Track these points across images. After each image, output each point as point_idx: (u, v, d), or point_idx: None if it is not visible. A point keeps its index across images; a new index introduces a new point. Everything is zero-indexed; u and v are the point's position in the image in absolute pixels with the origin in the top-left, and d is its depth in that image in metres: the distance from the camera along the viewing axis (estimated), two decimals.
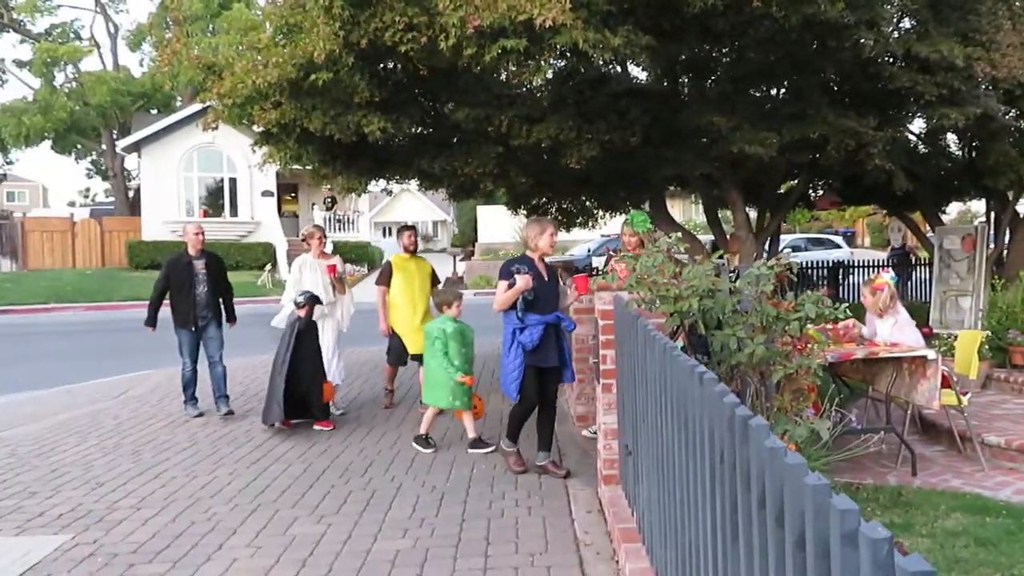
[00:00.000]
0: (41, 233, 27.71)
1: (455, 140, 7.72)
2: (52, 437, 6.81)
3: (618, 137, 7.06)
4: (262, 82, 6.11)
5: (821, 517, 1.42)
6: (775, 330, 4.04)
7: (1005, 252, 10.34)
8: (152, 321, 7.32)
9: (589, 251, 24.60)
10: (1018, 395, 7.15)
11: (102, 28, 36.22)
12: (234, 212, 27.76)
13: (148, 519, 4.71)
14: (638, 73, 8.86)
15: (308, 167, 8.86)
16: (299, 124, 6.69)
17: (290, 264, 8.70)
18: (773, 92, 8.49)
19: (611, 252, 6.64)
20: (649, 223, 6.35)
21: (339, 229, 30.07)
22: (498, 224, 31.12)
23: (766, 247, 9.71)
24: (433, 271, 7.66)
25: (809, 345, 4.20)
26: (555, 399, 5.60)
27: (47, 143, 33.90)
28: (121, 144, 29.47)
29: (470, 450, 5.96)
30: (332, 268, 7.23)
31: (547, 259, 5.50)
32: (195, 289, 7.17)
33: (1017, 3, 7.56)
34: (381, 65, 6.46)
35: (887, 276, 6.02)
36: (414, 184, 10.68)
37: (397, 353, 7.39)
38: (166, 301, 7.28)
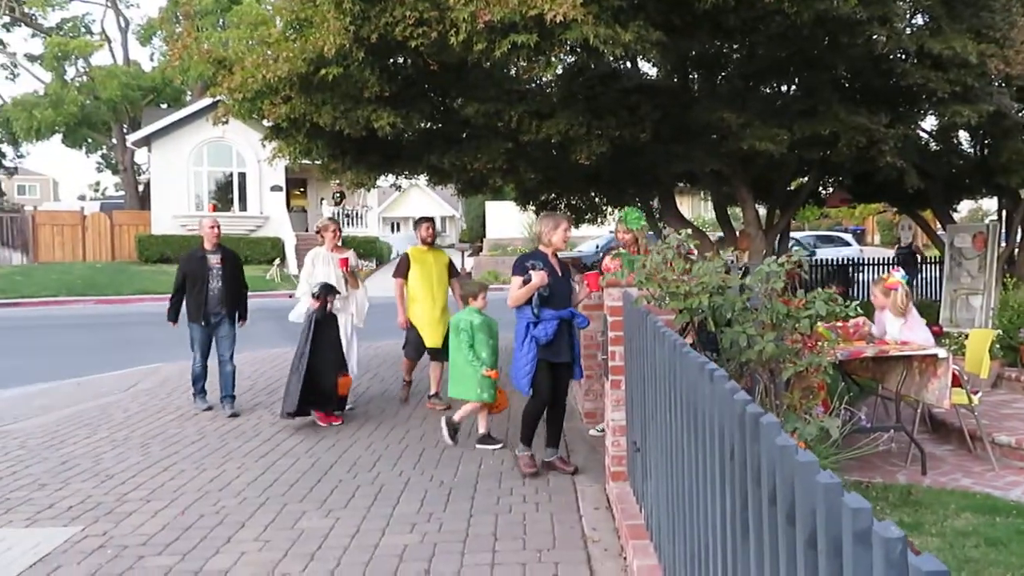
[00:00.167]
0: (51, 227, 27.84)
1: (464, 135, 7.71)
2: (62, 429, 6.85)
3: (628, 133, 7.03)
4: (272, 77, 6.11)
5: (833, 516, 1.41)
6: (785, 327, 4.02)
7: (1016, 250, 10.27)
8: (173, 316, 7.29)
9: (598, 247, 24.57)
10: None
11: (113, 23, 36.48)
12: (243, 207, 27.84)
13: (157, 511, 4.74)
14: (648, 69, 8.83)
15: (317, 162, 8.86)
16: (309, 119, 6.69)
17: (299, 259, 8.71)
18: (784, 88, 8.45)
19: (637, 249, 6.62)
20: (643, 220, 6.35)
21: (347, 224, 30.11)
22: (506, 220, 31.11)
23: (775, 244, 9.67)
24: (451, 262, 7.60)
25: (819, 343, 4.18)
26: (566, 395, 5.59)
27: (58, 137, 34.06)
28: (131, 138, 29.59)
29: (478, 445, 5.97)
30: (344, 262, 7.20)
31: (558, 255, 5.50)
32: (208, 284, 7.13)
33: None
34: (391, 60, 6.45)
35: (899, 275, 5.99)
36: (423, 179, 10.67)
37: (415, 346, 7.34)
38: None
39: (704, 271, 3.98)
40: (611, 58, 7.21)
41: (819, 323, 4.26)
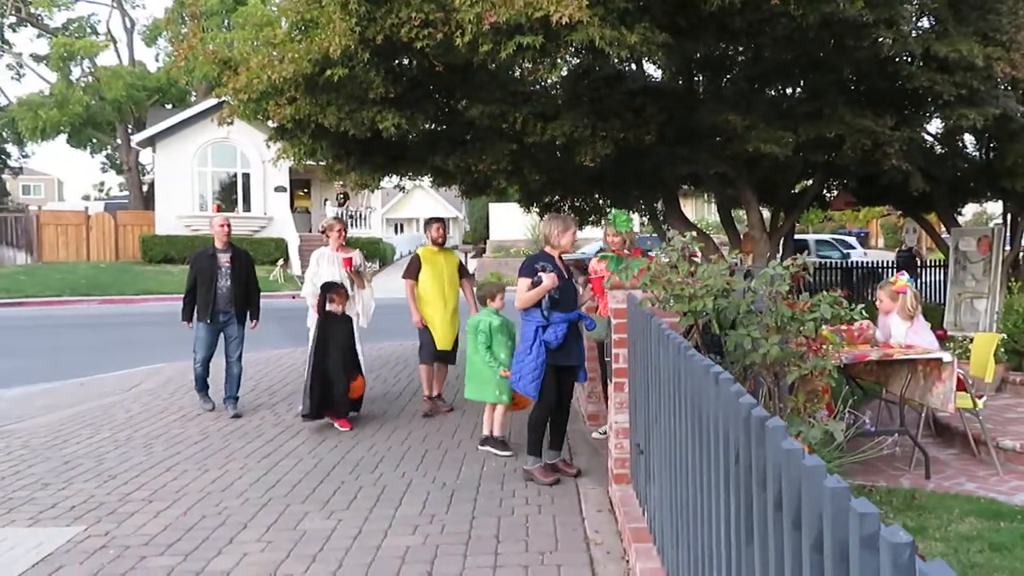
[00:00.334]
0: (56, 226, 27.91)
1: (469, 137, 7.71)
2: (65, 429, 6.85)
3: (633, 135, 7.03)
4: (277, 77, 6.12)
5: (840, 520, 1.40)
6: (789, 331, 4.01)
7: (1021, 254, 10.24)
8: (187, 315, 7.22)
9: (601, 250, 24.51)
10: None
11: (118, 23, 36.33)
12: (247, 207, 27.88)
13: (160, 512, 4.73)
14: (653, 71, 8.82)
15: (322, 163, 8.86)
16: (314, 120, 6.69)
17: (302, 259, 8.69)
18: (789, 91, 8.43)
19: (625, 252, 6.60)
20: (631, 223, 6.32)
21: (351, 225, 30.12)
22: (510, 221, 31.12)
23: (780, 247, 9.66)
24: (461, 264, 7.50)
25: (824, 346, 4.17)
26: (571, 398, 5.57)
27: (63, 137, 34.14)
28: (136, 138, 29.64)
29: (480, 447, 5.95)
30: (348, 261, 7.17)
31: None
32: (217, 282, 7.08)
33: None
34: (396, 61, 6.45)
35: (905, 278, 5.97)
36: (427, 181, 10.67)
37: (431, 349, 7.13)
38: None
39: (709, 274, 3.97)
40: (616, 60, 7.21)
41: (823, 326, 4.25)
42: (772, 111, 7.53)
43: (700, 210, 29.92)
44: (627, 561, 3.87)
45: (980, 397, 5.76)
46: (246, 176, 27.87)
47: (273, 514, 4.69)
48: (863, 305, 4.11)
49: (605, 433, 5.56)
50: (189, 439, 6.46)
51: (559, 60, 6.16)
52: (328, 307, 6.78)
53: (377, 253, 29.10)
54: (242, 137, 24.93)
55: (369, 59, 5.85)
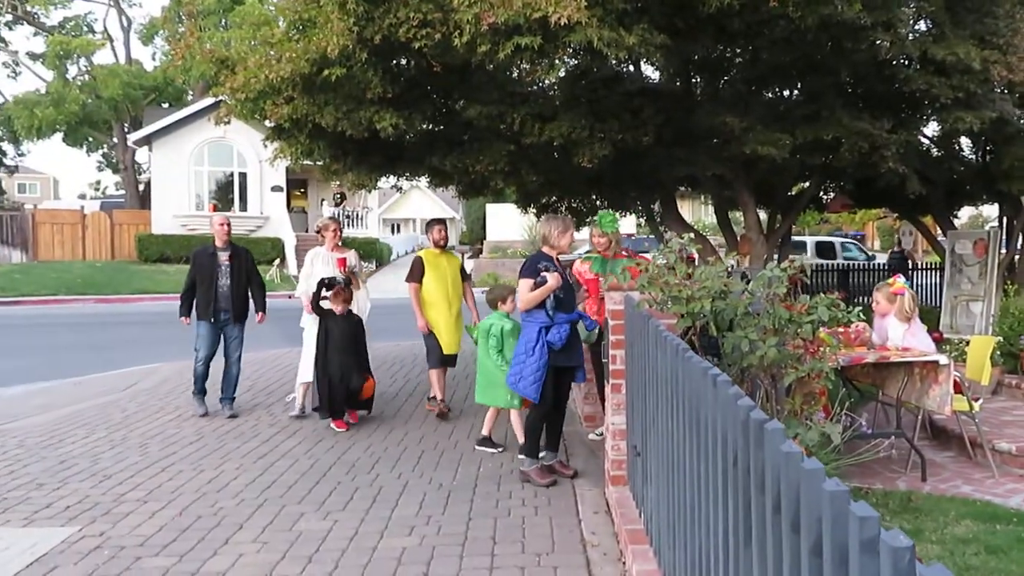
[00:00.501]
0: (51, 225, 27.83)
1: (467, 137, 7.70)
2: (60, 429, 6.83)
3: (630, 136, 7.03)
4: (275, 77, 6.10)
5: (839, 524, 1.39)
6: (787, 333, 4.01)
7: (1017, 257, 10.27)
8: (186, 311, 7.16)
9: None
10: None
11: (115, 22, 36.46)
12: (243, 207, 27.83)
13: (155, 512, 4.72)
14: (651, 73, 8.83)
15: (319, 162, 8.85)
16: (311, 119, 6.68)
17: (299, 259, 8.64)
18: (787, 93, 8.45)
19: (624, 252, 6.60)
20: (616, 224, 6.29)
21: (348, 225, 30.10)
22: (506, 222, 31.12)
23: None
24: (463, 266, 7.42)
25: (821, 348, 4.17)
26: (567, 399, 5.55)
27: (59, 135, 34.07)
28: (132, 137, 29.60)
29: (478, 447, 5.95)
30: (343, 262, 7.14)
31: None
32: (217, 281, 7.04)
33: None
34: (394, 61, 6.44)
35: (902, 280, 5.98)
36: (424, 181, 10.66)
37: (438, 354, 6.99)
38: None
39: (706, 276, 3.97)
40: (614, 61, 7.22)
41: (820, 329, 4.25)
42: (770, 113, 7.55)
43: (697, 212, 29.97)
44: (623, 563, 3.87)
45: (976, 400, 5.77)
46: (243, 176, 27.82)
47: (269, 515, 4.67)
48: (860, 308, 4.12)
49: (602, 435, 5.56)
50: (185, 439, 6.45)
51: (557, 61, 6.15)
52: (323, 303, 6.75)
53: (374, 253, 29.09)
54: (239, 136, 24.89)
55: (367, 59, 5.84)
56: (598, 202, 10.56)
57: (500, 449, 5.89)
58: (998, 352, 7.23)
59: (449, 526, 4.46)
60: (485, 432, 5.97)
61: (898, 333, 5.78)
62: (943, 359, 5.35)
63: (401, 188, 11.94)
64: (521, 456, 5.31)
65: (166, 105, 33.73)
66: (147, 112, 31.35)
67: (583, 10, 4.86)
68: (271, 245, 26.34)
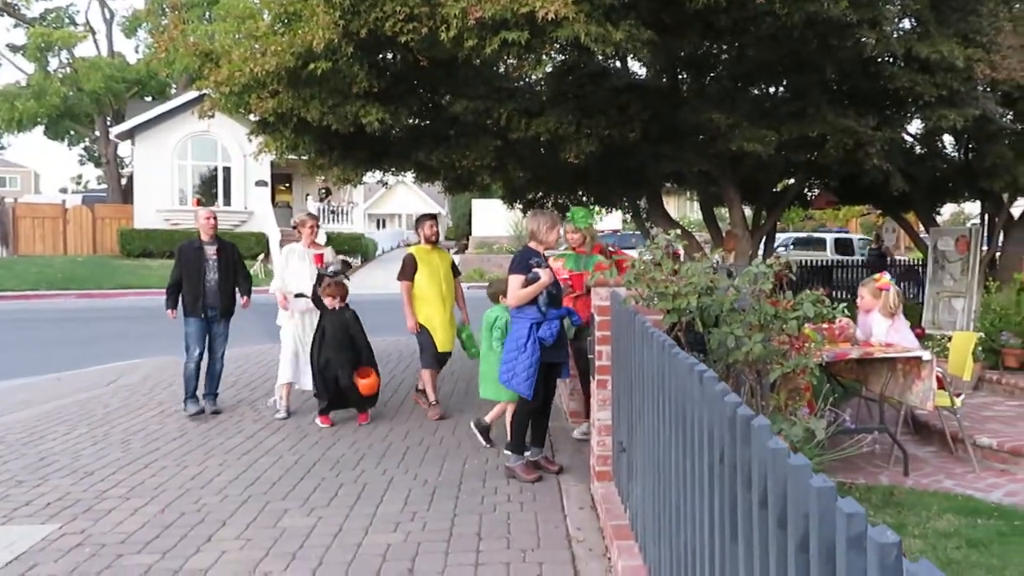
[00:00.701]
0: (32, 219, 27.51)
1: (453, 132, 7.67)
2: (41, 425, 6.75)
3: (617, 132, 7.02)
4: (260, 70, 6.04)
5: (826, 520, 1.39)
6: (772, 329, 4.02)
7: (998, 254, 10.37)
8: (172, 304, 6.98)
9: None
10: (1010, 397, 7.17)
11: (98, 14, 36.05)
12: (227, 201, 27.62)
13: (137, 509, 4.67)
14: (638, 69, 8.83)
15: (304, 157, 8.79)
16: (296, 113, 6.63)
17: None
18: (773, 90, 8.47)
19: (610, 248, 6.60)
20: (590, 219, 6.26)
21: (333, 220, 29.99)
22: (492, 218, 31.09)
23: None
24: (453, 262, 7.32)
25: (806, 344, 4.19)
26: (554, 395, 5.55)
27: (40, 128, 33.67)
28: (115, 131, 29.30)
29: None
30: (320, 257, 7.00)
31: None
32: (205, 276, 6.94)
33: (1018, 5, 7.55)
34: (380, 55, 6.40)
35: (888, 276, 6.02)
36: (410, 176, 10.61)
37: (432, 352, 6.83)
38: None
39: (692, 272, 3.97)
40: (601, 57, 7.20)
41: (806, 325, 4.27)
42: (756, 110, 7.56)
43: (683, 208, 30.04)
44: (609, 558, 3.87)
45: (958, 395, 5.82)
46: (227, 170, 27.61)
47: (252, 511, 4.64)
48: (845, 304, 4.14)
49: (587, 433, 5.56)
50: (168, 435, 6.39)
51: (544, 56, 6.14)
52: (324, 300, 6.70)
53: (359, 248, 28.98)
54: (223, 130, 24.69)
55: (353, 53, 5.80)
56: (584, 198, 10.56)
57: (488, 446, 5.87)
58: (980, 348, 7.30)
59: (434, 522, 4.45)
60: (488, 420, 5.91)
61: (882, 329, 5.83)
62: (926, 355, 5.40)
63: (387, 183, 11.88)
64: (507, 452, 5.30)
65: (149, 98, 33.39)
66: (130, 105, 31.01)
67: (570, 5, 4.85)
68: (255, 240, 26.15)
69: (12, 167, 61.28)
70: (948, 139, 10.01)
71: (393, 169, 9.38)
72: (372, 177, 10.77)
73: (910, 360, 5.46)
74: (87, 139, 38.70)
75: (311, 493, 4.96)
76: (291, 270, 7.02)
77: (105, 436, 6.37)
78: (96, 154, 39.20)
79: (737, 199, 8.91)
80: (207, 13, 30.88)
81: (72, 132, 36.48)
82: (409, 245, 7.32)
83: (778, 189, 10.70)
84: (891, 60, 7.05)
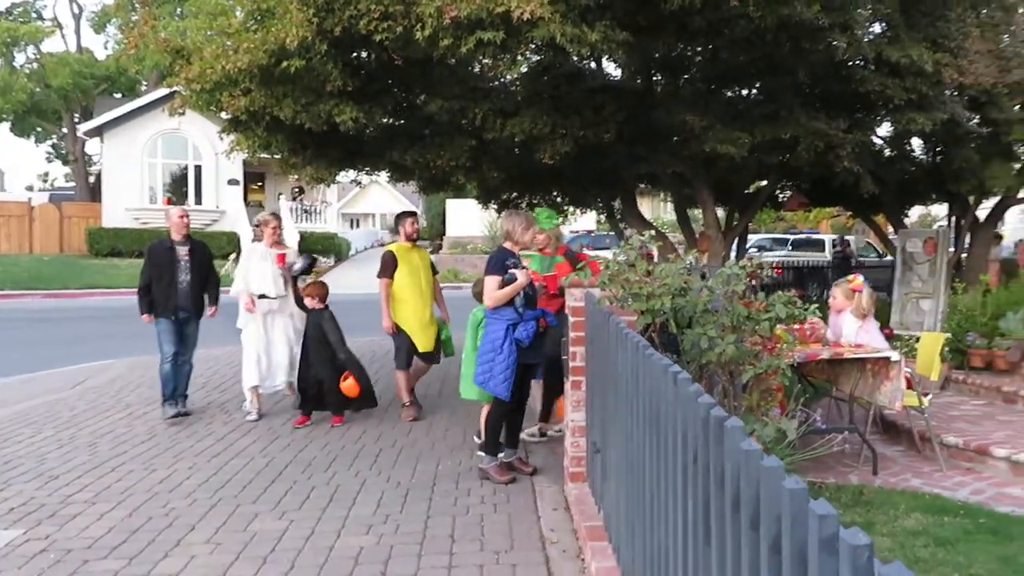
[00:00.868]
0: None
1: (428, 132, 7.63)
2: (5, 428, 6.61)
3: (592, 133, 7.03)
4: (232, 68, 5.96)
5: (799, 522, 1.40)
6: (745, 330, 4.05)
7: (965, 256, 10.55)
8: (146, 308, 6.78)
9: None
10: (976, 396, 7.28)
11: (66, 9, 35.43)
12: (199, 200, 27.28)
13: (104, 514, 4.59)
14: (613, 70, 8.86)
15: (277, 156, 8.70)
16: (269, 112, 6.55)
17: None
18: (746, 93, 8.54)
19: (585, 247, 6.61)
20: (555, 220, 6.27)
21: (306, 219, 29.73)
22: (466, 218, 31.05)
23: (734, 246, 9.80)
24: (432, 261, 7.26)
25: (778, 345, 4.22)
26: (528, 396, 5.53)
27: (5, 125, 33.05)
28: (83, 128, 28.80)
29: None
30: (282, 257, 6.87)
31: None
32: (177, 276, 6.79)
33: (985, 11, 7.69)
34: (355, 54, 6.35)
35: (861, 278, 6.10)
36: (384, 176, 10.54)
37: (407, 352, 6.77)
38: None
39: (666, 273, 3.98)
40: (577, 58, 7.21)
41: (777, 325, 4.30)
42: (729, 112, 7.62)
43: (657, 209, 30.23)
44: (583, 560, 3.87)
45: (926, 395, 5.90)
46: (198, 168, 27.26)
47: (222, 515, 4.58)
48: (817, 305, 4.17)
49: (561, 431, 5.55)
50: (136, 438, 6.29)
51: (520, 56, 6.12)
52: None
53: (332, 248, 28.75)
54: (194, 128, 24.39)
55: (327, 51, 5.74)
56: (559, 198, 10.57)
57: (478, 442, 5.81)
58: (947, 348, 7.41)
59: (407, 525, 4.42)
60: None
61: (852, 329, 5.90)
62: (895, 356, 5.46)
63: (361, 183, 11.80)
64: (480, 453, 5.27)
65: (118, 95, 32.89)
66: (98, 102, 30.51)
67: (546, 6, 4.84)
68: (227, 240, 25.83)
69: None
70: (917, 142, 10.18)
71: (367, 168, 9.32)
72: (346, 176, 10.69)
73: (879, 360, 5.52)
74: (54, 136, 38.04)
75: (282, 496, 4.91)
76: (253, 271, 6.89)
77: (71, 439, 6.26)
78: (64, 151, 38.52)
79: (710, 200, 8.97)
80: (178, 9, 30.49)
81: (39, 129, 35.85)
82: (383, 244, 7.27)
83: (751, 191, 10.80)
84: (862, 64, 7.14)
